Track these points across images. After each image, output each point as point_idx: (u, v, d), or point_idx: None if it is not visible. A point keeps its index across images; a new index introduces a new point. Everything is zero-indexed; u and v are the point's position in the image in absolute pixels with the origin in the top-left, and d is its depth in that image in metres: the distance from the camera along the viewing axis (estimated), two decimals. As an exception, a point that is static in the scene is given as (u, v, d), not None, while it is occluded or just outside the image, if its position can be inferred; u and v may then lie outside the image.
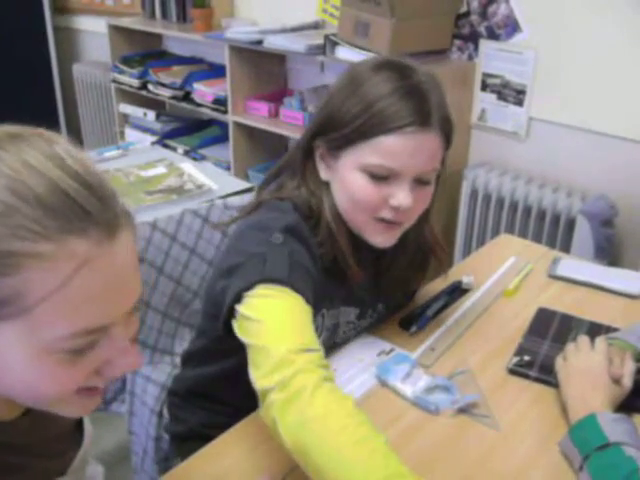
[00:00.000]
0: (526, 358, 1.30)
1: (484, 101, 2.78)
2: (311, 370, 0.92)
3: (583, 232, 2.36)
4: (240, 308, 1.01)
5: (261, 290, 1.00)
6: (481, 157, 2.85)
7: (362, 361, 1.29)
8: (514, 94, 2.69)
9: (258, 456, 1.09)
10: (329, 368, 0.96)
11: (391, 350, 1.33)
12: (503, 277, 1.60)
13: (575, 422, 1.09)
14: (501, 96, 2.73)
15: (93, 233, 0.62)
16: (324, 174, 1.18)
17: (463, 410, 1.17)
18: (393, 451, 0.88)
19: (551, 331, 1.38)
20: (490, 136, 2.81)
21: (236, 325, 1.02)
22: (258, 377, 0.95)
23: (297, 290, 1.01)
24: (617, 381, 1.16)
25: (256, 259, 1.04)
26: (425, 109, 1.09)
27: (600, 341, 1.23)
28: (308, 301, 1.03)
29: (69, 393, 0.68)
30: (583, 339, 1.25)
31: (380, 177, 1.11)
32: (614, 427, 1.04)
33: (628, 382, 1.16)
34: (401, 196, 1.11)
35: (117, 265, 0.65)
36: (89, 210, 0.62)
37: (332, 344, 1.30)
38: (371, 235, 1.18)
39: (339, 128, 1.11)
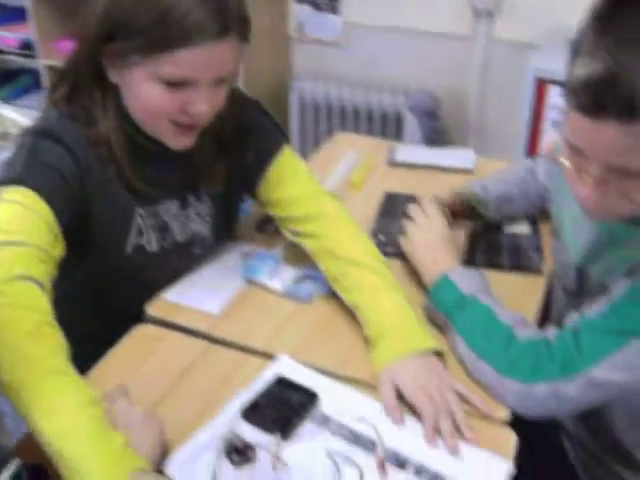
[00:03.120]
0: (381, 238, 1.35)
1: (300, 13, 2.78)
2: (21, 306, 0.93)
3: (411, 126, 2.47)
4: None
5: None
6: (304, 68, 2.87)
7: (227, 265, 1.30)
8: (327, 2, 2.71)
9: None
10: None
11: (252, 251, 1.34)
12: (346, 171, 1.64)
13: (432, 285, 1.16)
14: (317, 6, 2.74)
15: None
16: (114, 77, 1.11)
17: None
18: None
19: (399, 210, 1.44)
20: (311, 47, 2.83)
21: None
22: None
23: (32, 187, 1.03)
24: (453, 214, 1.32)
25: (5, 166, 1.07)
26: (224, 16, 1.03)
27: (428, 205, 1.29)
28: (48, 196, 1.04)
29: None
30: (414, 209, 1.29)
31: (176, 84, 1.06)
32: (468, 282, 1.12)
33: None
34: (200, 104, 1.08)
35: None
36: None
37: (182, 243, 1.27)
38: (168, 139, 1.15)
39: (130, 36, 1.04)
